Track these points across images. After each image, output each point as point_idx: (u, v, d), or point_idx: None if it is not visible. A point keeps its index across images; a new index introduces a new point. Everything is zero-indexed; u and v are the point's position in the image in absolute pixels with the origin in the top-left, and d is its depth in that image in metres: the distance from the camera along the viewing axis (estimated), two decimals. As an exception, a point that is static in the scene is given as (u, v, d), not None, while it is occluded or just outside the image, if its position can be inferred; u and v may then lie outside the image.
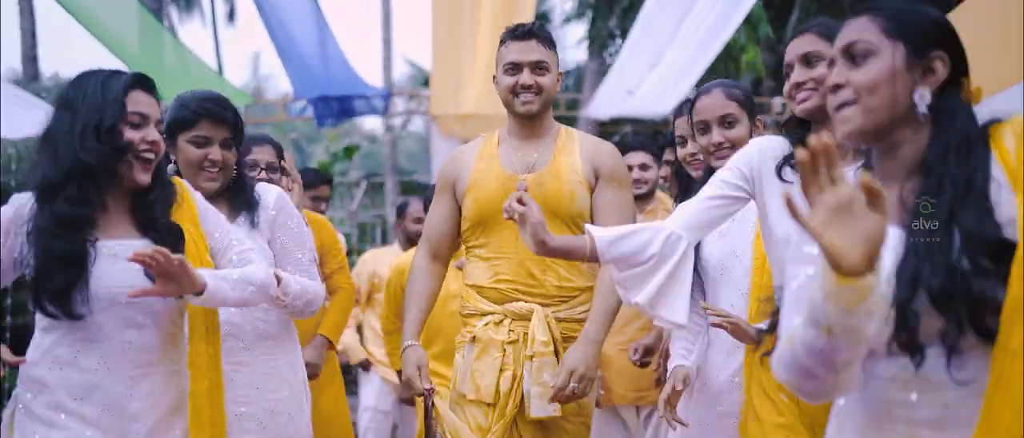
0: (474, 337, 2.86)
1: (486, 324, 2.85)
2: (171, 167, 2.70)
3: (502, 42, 2.94)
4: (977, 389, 1.40)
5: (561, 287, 2.86)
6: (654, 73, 7.43)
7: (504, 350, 2.82)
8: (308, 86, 8.57)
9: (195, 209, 2.39)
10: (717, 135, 2.69)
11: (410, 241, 5.05)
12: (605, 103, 8.77)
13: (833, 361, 1.37)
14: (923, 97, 1.50)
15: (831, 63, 1.58)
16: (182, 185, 2.41)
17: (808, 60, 2.31)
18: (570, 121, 11.27)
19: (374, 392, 5.33)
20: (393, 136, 12.93)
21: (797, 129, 2.39)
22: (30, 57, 13.28)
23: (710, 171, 2.68)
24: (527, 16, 8.50)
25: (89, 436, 2.18)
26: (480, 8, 8.00)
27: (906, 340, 1.43)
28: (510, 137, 2.98)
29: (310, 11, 7.53)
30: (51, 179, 2.20)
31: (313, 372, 3.52)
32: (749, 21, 8.65)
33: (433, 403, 2.86)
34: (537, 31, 2.93)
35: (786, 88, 2.38)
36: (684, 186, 3.09)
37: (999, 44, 4.40)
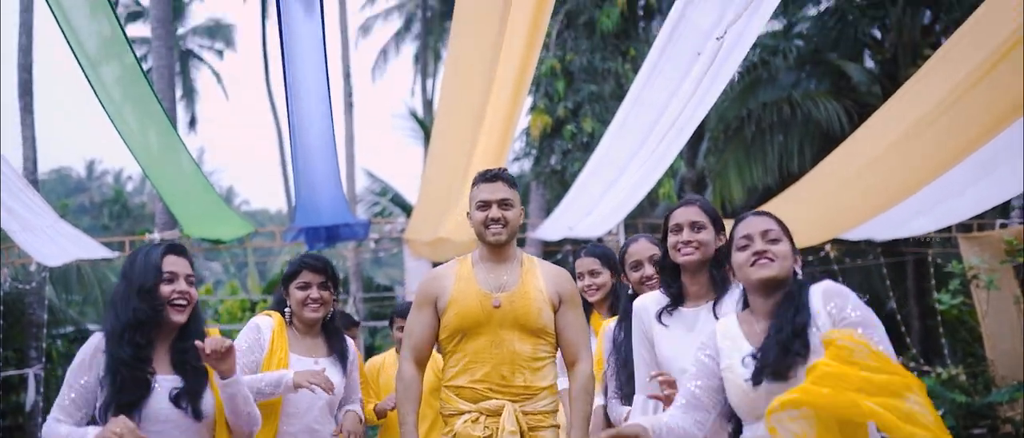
0: (454, 434, 3.28)
1: (464, 422, 3.26)
2: (287, 310, 3.67)
3: (474, 184, 3.41)
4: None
5: (527, 387, 3.28)
6: (589, 217, 9.08)
7: None
8: (306, 217, 9.81)
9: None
10: (648, 270, 3.54)
11: None
12: (550, 230, 10.58)
13: None
14: (797, 265, 2.58)
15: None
16: (214, 333, 2.97)
17: (695, 226, 3.03)
18: (520, 240, 12.91)
19: None
20: (359, 250, 13.92)
21: (671, 272, 3.10)
22: (31, 179, 13.69)
23: (616, 294, 3.80)
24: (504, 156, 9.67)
25: None
26: (474, 154, 8.48)
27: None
28: (482, 261, 3.40)
29: (329, 153, 8.01)
30: (113, 330, 2.82)
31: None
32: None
33: None
34: (502, 175, 3.39)
35: (673, 241, 3.04)
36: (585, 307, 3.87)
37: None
